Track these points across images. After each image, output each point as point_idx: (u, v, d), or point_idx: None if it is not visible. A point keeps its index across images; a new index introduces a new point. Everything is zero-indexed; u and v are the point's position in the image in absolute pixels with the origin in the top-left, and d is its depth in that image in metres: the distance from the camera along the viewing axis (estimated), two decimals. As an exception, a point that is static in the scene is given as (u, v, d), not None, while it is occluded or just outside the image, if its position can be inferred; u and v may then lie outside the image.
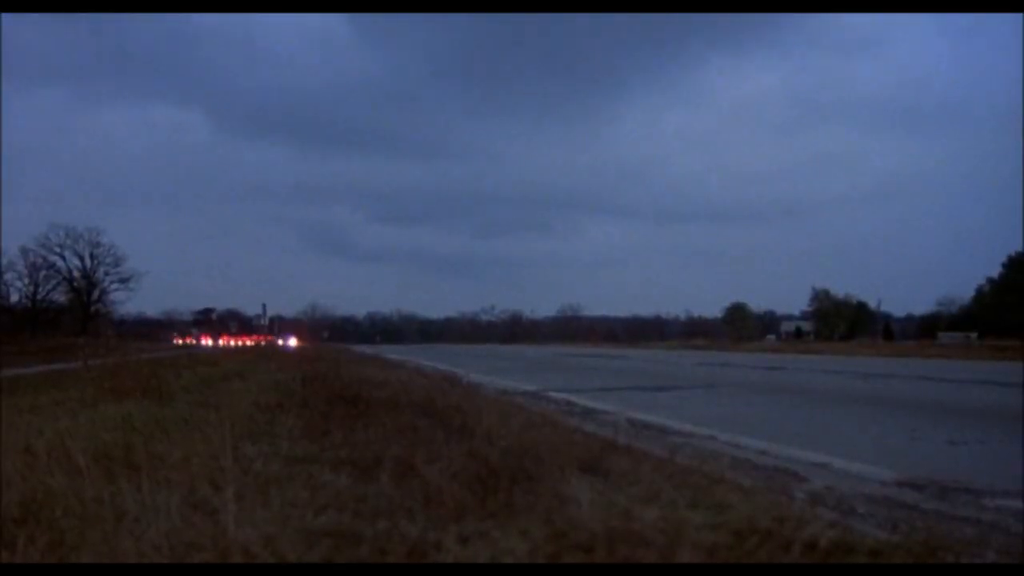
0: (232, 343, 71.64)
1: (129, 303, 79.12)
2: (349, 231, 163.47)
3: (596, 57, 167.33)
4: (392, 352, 34.68)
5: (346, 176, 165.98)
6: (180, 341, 71.84)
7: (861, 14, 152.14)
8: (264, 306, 61.71)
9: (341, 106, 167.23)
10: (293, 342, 66.57)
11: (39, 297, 69.87)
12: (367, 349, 42.92)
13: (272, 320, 66.66)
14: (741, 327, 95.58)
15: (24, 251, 67.47)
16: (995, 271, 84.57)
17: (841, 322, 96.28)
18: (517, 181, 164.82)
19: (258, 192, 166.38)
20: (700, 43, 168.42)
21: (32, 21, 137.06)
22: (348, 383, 8.97)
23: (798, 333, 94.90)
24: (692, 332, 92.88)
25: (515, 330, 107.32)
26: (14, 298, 68.64)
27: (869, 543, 2.40)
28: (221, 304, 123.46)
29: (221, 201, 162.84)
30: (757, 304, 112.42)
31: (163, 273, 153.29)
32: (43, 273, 69.77)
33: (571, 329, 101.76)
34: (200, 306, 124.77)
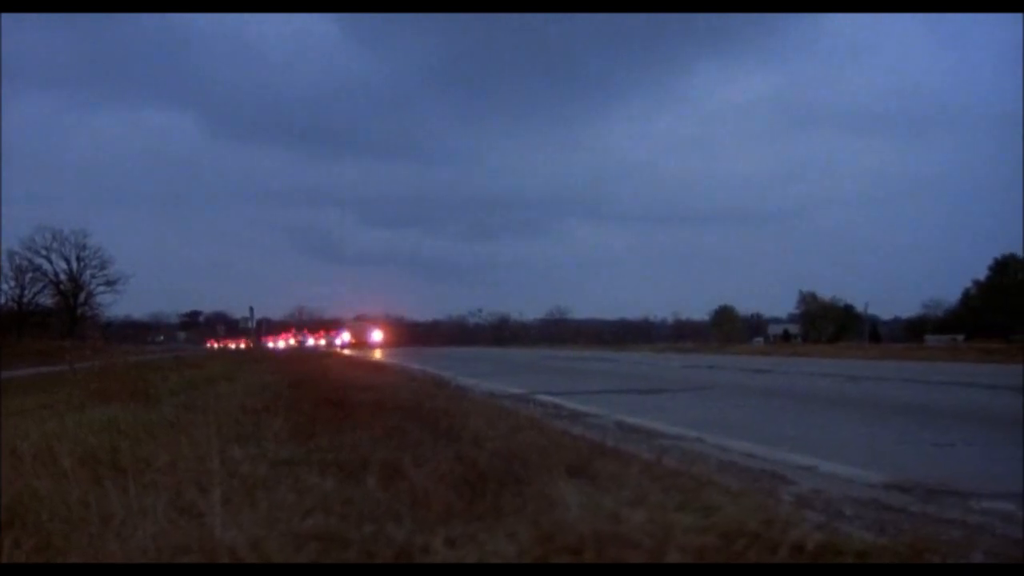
0: (271, 343, 68.84)
1: (116, 306, 78.58)
2: (338, 234, 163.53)
3: (586, 61, 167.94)
4: (378, 354, 34.65)
5: (336, 179, 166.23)
6: (215, 345, 70.23)
7: (852, 20, 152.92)
8: (251, 309, 61.25)
9: (332, 110, 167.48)
10: (378, 336, 57.16)
11: (25, 300, 69.51)
12: (354, 351, 42.86)
13: (259, 322, 65.88)
14: (728, 330, 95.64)
15: (10, 254, 67.14)
16: (982, 274, 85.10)
17: (828, 325, 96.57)
18: (506, 184, 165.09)
19: (248, 195, 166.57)
20: (690, 48, 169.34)
21: (25, 24, 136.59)
22: (335, 386, 8.96)
23: (785, 336, 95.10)
24: (679, 335, 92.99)
25: (503, 333, 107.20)
26: (0, 301, 68.30)
27: (856, 545, 2.41)
28: (208, 307, 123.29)
29: (210, 204, 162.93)
30: (744, 307, 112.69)
31: (151, 275, 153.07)
32: (29, 276, 69.47)
33: (559, 332, 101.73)
34: (187, 308, 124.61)
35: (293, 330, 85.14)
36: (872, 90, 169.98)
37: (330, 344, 66.63)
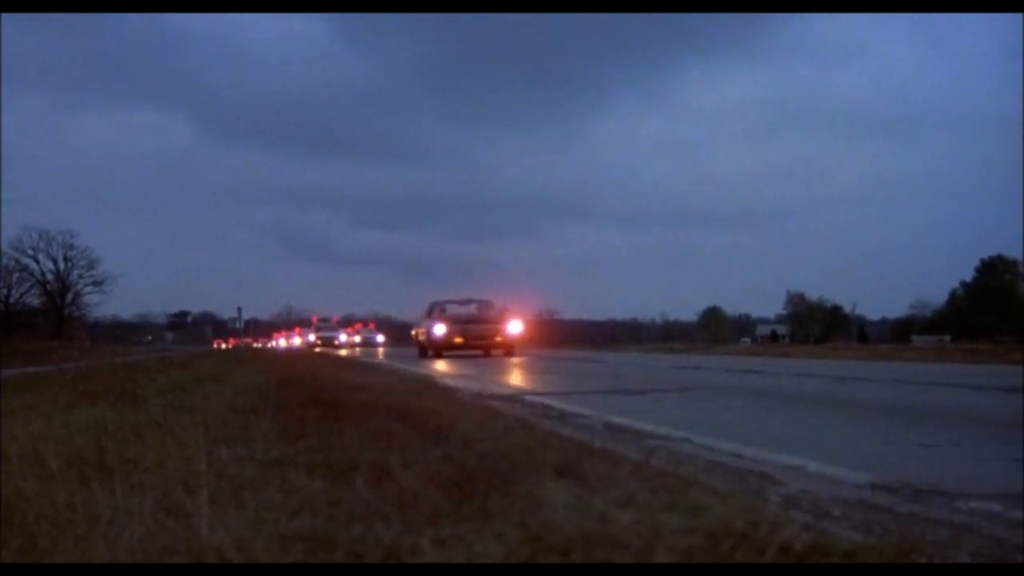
0: (285, 340, 66.83)
1: (103, 306, 78.47)
2: (328, 235, 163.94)
3: (577, 65, 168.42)
4: (367, 354, 34.60)
5: (328, 180, 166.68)
6: (224, 346, 68.03)
7: (842, 22, 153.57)
8: (240, 309, 61.04)
9: (324, 111, 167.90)
10: (516, 329, 30.05)
11: (12, 300, 69.26)
12: (342, 352, 42.76)
13: (247, 323, 65.48)
14: (716, 330, 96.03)
15: (-2, 254, 66.93)
16: (968, 275, 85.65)
17: (816, 325, 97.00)
18: (496, 185, 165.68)
19: (237, 195, 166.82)
20: (679, 51, 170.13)
21: (15, 26, 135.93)
22: (324, 387, 8.94)
23: (773, 336, 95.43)
24: (668, 335, 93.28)
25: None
26: (-14, 301, 68.06)
27: (843, 545, 2.41)
28: (196, 307, 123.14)
29: (200, 204, 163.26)
30: (732, 308, 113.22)
31: (139, 276, 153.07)
32: (16, 276, 69.24)
33: (548, 332, 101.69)
34: (175, 309, 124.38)
35: (315, 321, 72.18)
36: (860, 92, 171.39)
37: (368, 342, 61.91)
